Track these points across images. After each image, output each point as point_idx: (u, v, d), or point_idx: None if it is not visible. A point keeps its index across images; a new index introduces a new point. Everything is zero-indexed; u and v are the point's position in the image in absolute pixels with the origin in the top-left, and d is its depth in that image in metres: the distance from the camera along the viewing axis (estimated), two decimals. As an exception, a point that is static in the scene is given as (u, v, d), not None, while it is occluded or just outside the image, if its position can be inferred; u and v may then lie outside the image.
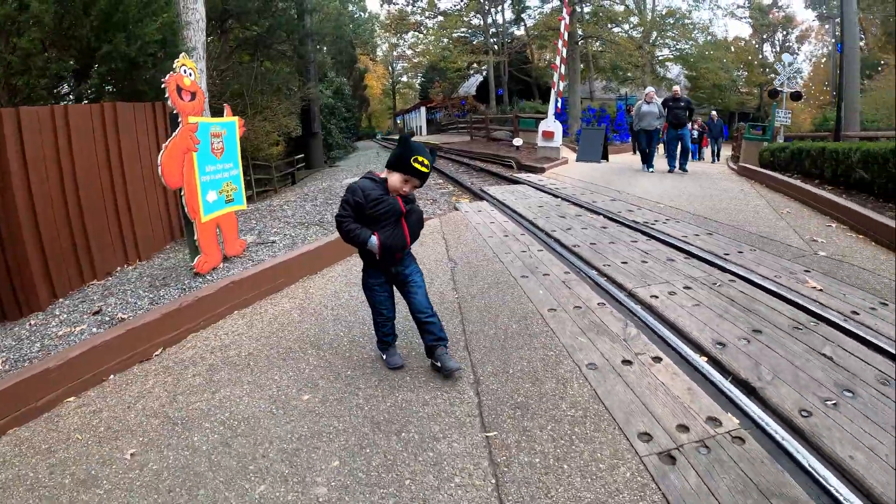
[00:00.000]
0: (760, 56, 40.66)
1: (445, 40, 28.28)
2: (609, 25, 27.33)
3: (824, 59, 40.44)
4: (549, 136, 13.21)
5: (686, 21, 30.16)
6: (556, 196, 7.87)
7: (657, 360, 2.74)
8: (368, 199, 2.62)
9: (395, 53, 40.87)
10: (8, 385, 2.62)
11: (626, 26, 29.30)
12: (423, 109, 42.05)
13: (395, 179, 2.66)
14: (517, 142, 15.85)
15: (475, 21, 30.03)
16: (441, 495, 1.89)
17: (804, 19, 41.04)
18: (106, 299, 4.02)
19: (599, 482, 1.89)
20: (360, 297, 3.91)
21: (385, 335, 2.92)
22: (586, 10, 26.12)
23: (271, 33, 12.86)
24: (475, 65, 32.01)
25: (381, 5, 34.33)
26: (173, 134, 3.97)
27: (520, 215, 6.62)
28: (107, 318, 3.59)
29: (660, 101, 11.57)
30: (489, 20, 30.14)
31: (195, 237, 4.24)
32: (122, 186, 4.99)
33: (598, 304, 3.56)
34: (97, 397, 2.80)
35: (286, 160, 16.71)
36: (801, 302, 3.40)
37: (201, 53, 6.99)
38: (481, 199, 8.31)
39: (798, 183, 7.76)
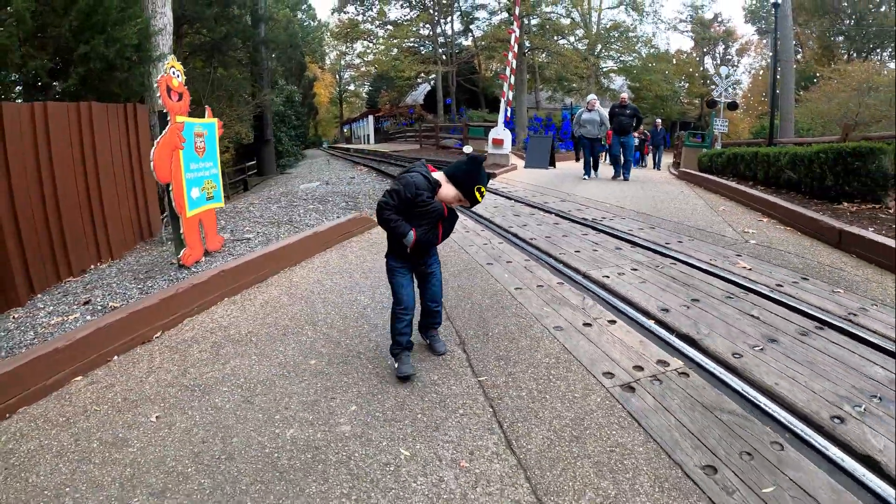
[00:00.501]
0: (701, 68, 42.95)
1: (395, 50, 28.85)
2: (555, 38, 28.45)
3: (762, 71, 42.90)
4: (498, 143, 13.79)
5: (630, 34, 31.69)
6: (509, 198, 8.39)
7: (612, 322, 3.24)
8: (419, 199, 2.68)
9: (342, 62, 41.10)
10: (18, 365, 2.80)
11: (572, 38, 30.56)
12: (370, 118, 42.41)
13: (450, 193, 2.74)
14: (467, 149, 16.35)
15: (424, 31, 30.68)
16: (450, 423, 2.31)
17: (744, 33, 43.55)
18: (92, 291, 4.22)
19: (576, 405, 2.36)
20: (343, 284, 4.28)
21: (400, 333, 2.88)
22: (534, 22, 27.14)
23: (227, 40, 13.00)
24: (423, 74, 32.63)
25: (332, 14, 34.62)
26: (163, 131, 4.25)
27: (478, 215, 7.08)
28: (98, 307, 3.82)
29: (604, 109, 11.71)
30: (438, 30, 30.86)
31: (181, 231, 4.50)
32: (97, 186, 5.19)
33: (558, 283, 4.05)
34: (106, 375, 3.05)
35: (236, 167, 16.74)
36: (732, 278, 3.98)
37: (163, 54, 7.20)
38: (439, 201, 8.75)
39: (733, 184, 8.53)
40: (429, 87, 37.12)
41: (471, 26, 32.75)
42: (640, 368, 2.64)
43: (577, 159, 17.03)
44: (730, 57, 45.66)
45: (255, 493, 1.97)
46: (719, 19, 44.42)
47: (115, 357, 3.26)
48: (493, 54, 29.42)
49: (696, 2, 41.26)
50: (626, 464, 2.02)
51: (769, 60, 29.29)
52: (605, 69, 32.16)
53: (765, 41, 44.27)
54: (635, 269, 4.30)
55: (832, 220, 5.47)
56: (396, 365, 2.87)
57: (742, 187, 8.17)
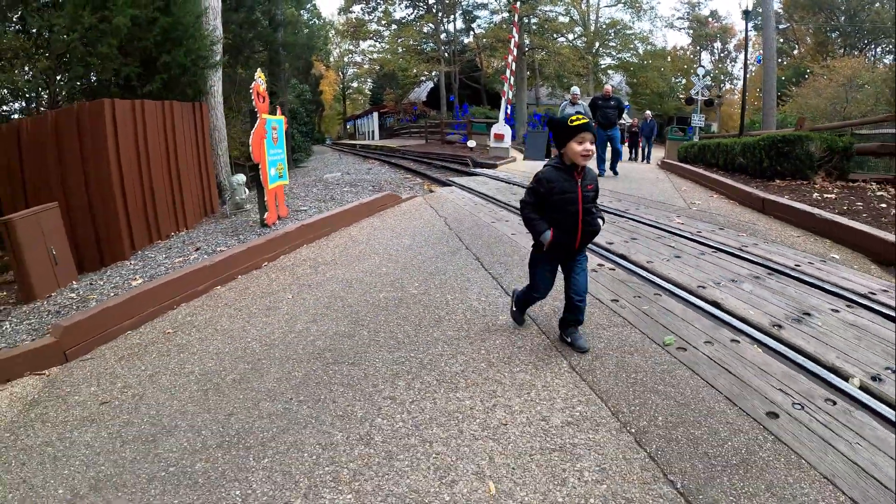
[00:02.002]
0: (697, 65, 44.80)
1: (401, 49, 30.75)
2: (554, 36, 30.30)
3: (757, 67, 44.72)
4: (499, 138, 15.56)
5: (627, 32, 33.57)
6: (509, 182, 10.16)
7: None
8: (552, 191, 2.92)
9: (345, 59, 42.99)
10: (179, 275, 4.53)
11: (571, 36, 32.42)
12: (375, 114, 44.14)
13: (572, 149, 2.87)
14: (471, 143, 18.24)
15: (426, 29, 32.52)
16: (471, 283, 4.08)
17: (741, 29, 45.01)
18: (196, 244, 6.00)
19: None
20: (388, 235, 6.07)
21: (526, 303, 3.42)
22: (533, 20, 28.99)
23: (249, 43, 14.72)
24: (426, 72, 34.51)
25: (339, 13, 36.54)
26: (255, 125, 6.04)
27: (482, 194, 8.86)
28: (209, 252, 5.57)
29: (586, 102, 11.87)
30: (441, 29, 32.71)
31: (265, 199, 6.29)
32: (177, 169, 6.89)
33: (544, 233, 5.84)
34: (238, 285, 4.81)
35: (250, 163, 18.35)
36: (665, 228, 5.77)
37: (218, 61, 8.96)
38: (449, 185, 10.55)
39: (700, 170, 10.31)
40: (432, 85, 38.95)
41: (472, 25, 34.66)
42: (608, 253, 4.44)
43: None
44: (728, 53, 47.55)
45: (367, 315, 3.74)
46: (716, 16, 46.35)
47: (239, 276, 5.02)
48: (494, 53, 31.28)
49: (693, -1, 43.29)
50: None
51: (762, 56, 31.03)
52: (603, 66, 34.06)
53: (762, 37, 46.14)
54: (618, 229, 6.12)
55: (759, 192, 7.28)
56: (514, 310, 3.47)
57: (704, 172, 9.95)
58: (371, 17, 33.16)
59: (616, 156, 11.68)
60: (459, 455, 2.19)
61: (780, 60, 44.41)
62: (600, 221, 3.11)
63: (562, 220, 2.95)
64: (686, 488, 1.94)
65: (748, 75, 44.48)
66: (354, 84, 52.41)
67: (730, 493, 1.91)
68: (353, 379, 2.89)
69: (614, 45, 33.84)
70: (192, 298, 4.47)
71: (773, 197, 6.93)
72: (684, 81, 42.60)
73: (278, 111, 6.91)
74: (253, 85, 6.08)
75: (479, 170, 13.51)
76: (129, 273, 5.11)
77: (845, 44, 38.09)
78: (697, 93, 16.94)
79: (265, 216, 6.32)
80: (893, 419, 2.29)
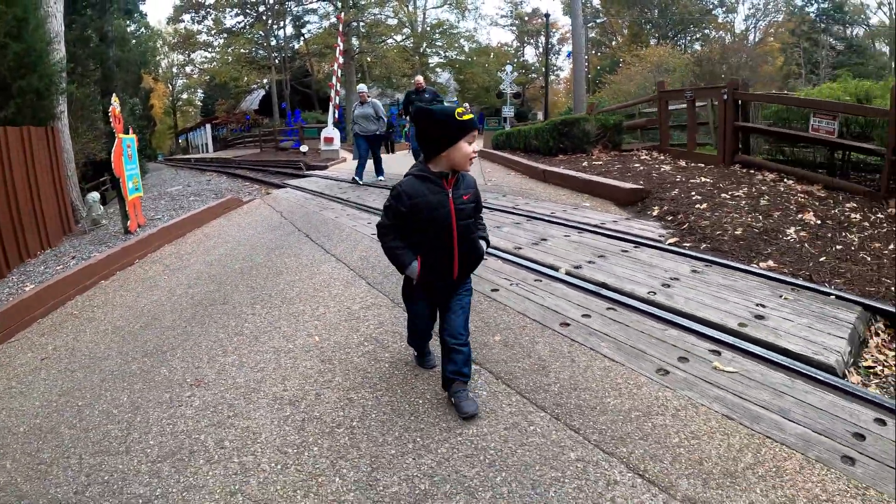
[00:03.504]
0: (521, 58, 49.34)
1: (231, 59, 31.41)
2: (382, 38, 32.52)
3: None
4: (329, 141, 17.37)
5: (453, 31, 36.61)
6: (338, 180, 12.00)
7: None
8: (416, 209, 2.51)
9: (173, 70, 42.51)
10: (69, 274, 5.87)
11: (399, 38, 34.84)
12: (208, 126, 43.89)
13: (461, 151, 2.49)
14: (304, 148, 19.95)
15: (258, 38, 33.33)
16: (303, 252, 5.91)
17: (564, 24, 50.32)
18: (70, 254, 7.28)
19: (361, 243, 6.07)
20: (235, 230, 7.69)
21: (416, 341, 3.17)
22: (362, 24, 30.98)
23: (83, 62, 15.29)
24: (258, 80, 35.38)
25: (168, 23, 36.18)
26: (115, 143, 7.40)
27: (313, 191, 10.62)
28: (85, 258, 6.90)
29: (378, 102, 11.24)
30: (272, 35, 33.70)
31: (126, 209, 7.66)
32: (37, 189, 7.91)
33: (360, 216, 7.76)
34: (119, 277, 6.21)
35: (91, 183, 18.70)
36: (452, 201, 7.95)
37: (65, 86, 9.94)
38: (284, 187, 12.24)
39: (505, 154, 12.80)
40: (263, 93, 39.76)
41: (302, 30, 36.02)
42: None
43: (390, 151, 20.06)
44: (552, 46, 52.70)
45: (227, 279, 5.43)
46: (538, 13, 51.25)
47: (118, 272, 6.43)
48: (323, 58, 32.96)
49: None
50: (371, 256, 5.78)
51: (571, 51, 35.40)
52: (431, 65, 36.87)
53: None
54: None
55: (542, 165, 9.80)
56: (416, 355, 3.26)
57: (507, 155, 12.46)
58: (201, 27, 33.47)
59: None
60: (298, 329, 3.99)
61: (597, 52, 50.28)
62: (483, 244, 2.72)
63: (432, 244, 2.54)
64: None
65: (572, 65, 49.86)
66: (185, 96, 51.52)
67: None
68: (225, 310, 4.60)
69: (441, 44, 36.76)
70: (85, 290, 5.84)
71: (551, 168, 9.44)
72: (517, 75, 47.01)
73: (130, 130, 8.25)
74: (110, 108, 7.42)
75: (311, 172, 15.23)
76: (17, 283, 6.34)
77: (658, 34, 43.98)
78: (506, 88, 19.90)
79: (128, 224, 7.67)
80: (576, 283, 4.49)
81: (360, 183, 10.71)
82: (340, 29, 18.79)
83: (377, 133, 10.89)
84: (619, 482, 2.20)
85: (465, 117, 2.47)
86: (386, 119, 11.28)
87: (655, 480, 2.21)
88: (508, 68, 20.42)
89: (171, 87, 49.36)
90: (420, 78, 11.79)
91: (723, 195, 6.94)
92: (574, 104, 24.16)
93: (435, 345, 3.11)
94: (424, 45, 35.90)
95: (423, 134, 2.56)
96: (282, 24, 34.20)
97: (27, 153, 7.71)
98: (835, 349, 3.19)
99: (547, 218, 6.53)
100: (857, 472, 2.26)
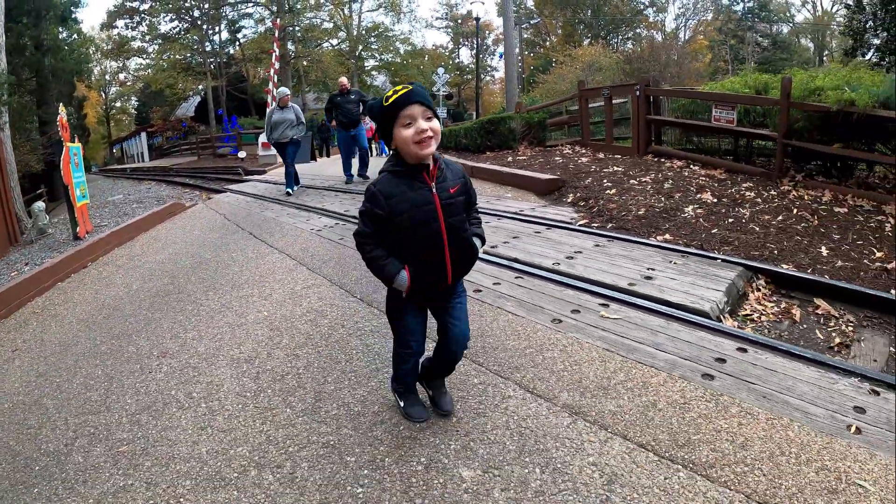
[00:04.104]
0: (456, 60, 50.43)
1: (166, 66, 31.32)
2: (318, 43, 32.99)
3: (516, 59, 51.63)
4: (267, 146, 17.77)
5: (388, 34, 37.31)
6: (276, 184, 12.49)
7: (322, 215, 7.71)
8: (395, 210, 2.22)
9: (106, 77, 41.88)
10: (28, 276, 6.40)
11: (335, 41, 35.35)
12: (143, 135, 43.40)
13: (399, 137, 2.16)
14: (242, 154, 20.40)
15: (194, 44, 33.30)
16: (247, 247, 6.56)
17: (498, 25, 51.34)
18: (24, 262, 7.72)
19: (302, 239, 6.75)
20: (180, 232, 8.25)
21: (406, 374, 2.67)
22: (297, 29, 31.39)
23: (19, 70, 15.39)
24: (194, 87, 35.30)
25: (101, 29, 35.66)
26: (62, 152, 7.86)
27: (252, 195, 11.16)
28: (38, 264, 7.37)
29: (298, 107, 10.62)
30: (207, 40, 33.70)
31: (75, 216, 8.11)
32: None
33: (299, 214, 8.42)
34: (76, 278, 6.66)
35: (27, 196, 18.66)
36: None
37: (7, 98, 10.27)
38: (224, 192, 12.76)
39: (434, 154, 13.69)
40: (199, 99, 39.67)
41: (238, 35, 36.12)
42: (337, 217, 7.13)
43: (316, 156, 20.52)
44: (486, 47, 53.91)
45: (179, 274, 6.03)
46: (472, 15, 52.33)
47: (73, 275, 6.91)
48: (259, 63, 33.19)
49: (451, 0, 48.76)
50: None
51: (521, 49, 36.64)
52: (367, 68, 37.53)
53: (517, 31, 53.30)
54: (343, 202, 8.86)
55: (469, 162, 10.62)
56: (403, 404, 2.75)
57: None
58: (136, 33, 33.18)
59: (365, 158, 10.94)
60: (248, 308, 4.61)
61: (532, 52, 51.76)
62: (477, 242, 2.48)
63: (419, 249, 2.29)
64: (364, 296, 4.68)
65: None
66: (118, 104, 50.61)
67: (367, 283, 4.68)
68: (181, 298, 5.19)
69: (376, 47, 37.43)
70: (44, 293, 6.29)
71: (479, 164, 10.29)
72: (450, 77, 47.98)
73: (76, 139, 8.69)
74: (59, 117, 7.89)
75: (250, 177, 15.74)
76: None
77: (591, 34, 45.58)
78: (438, 90, 20.82)
79: (77, 230, 8.12)
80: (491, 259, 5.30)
81: (291, 192, 10.26)
82: (276, 35, 19.29)
83: (296, 139, 10.27)
84: (511, 396, 2.90)
85: (392, 97, 2.17)
86: (305, 123, 10.83)
87: (542, 394, 2.89)
88: (440, 71, 21.30)
89: (104, 95, 48.42)
90: (344, 79, 11.02)
91: (631, 181, 7.90)
92: (506, 103, 25.32)
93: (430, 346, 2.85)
94: (360, 48, 36.50)
95: (378, 129, 2.37)
96: (217, 28, 34.27)
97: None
98: (711, 299, 3.95)
99: (469, 208, 7.36)
100: (714, 384, 2.81)
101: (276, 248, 6.35)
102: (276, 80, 18.00)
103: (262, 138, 17.68)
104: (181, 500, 2.35)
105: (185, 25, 32.98)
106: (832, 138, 6.96)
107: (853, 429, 2.45)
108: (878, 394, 2.73)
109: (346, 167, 10.97)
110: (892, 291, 4.38)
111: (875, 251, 5.27)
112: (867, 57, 11.58)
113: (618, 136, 10.92)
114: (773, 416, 2.56)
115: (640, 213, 6.61)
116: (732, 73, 40.52)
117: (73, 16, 24.07)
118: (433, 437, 2.60)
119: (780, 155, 7.35)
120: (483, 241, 2.55)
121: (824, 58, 43.56)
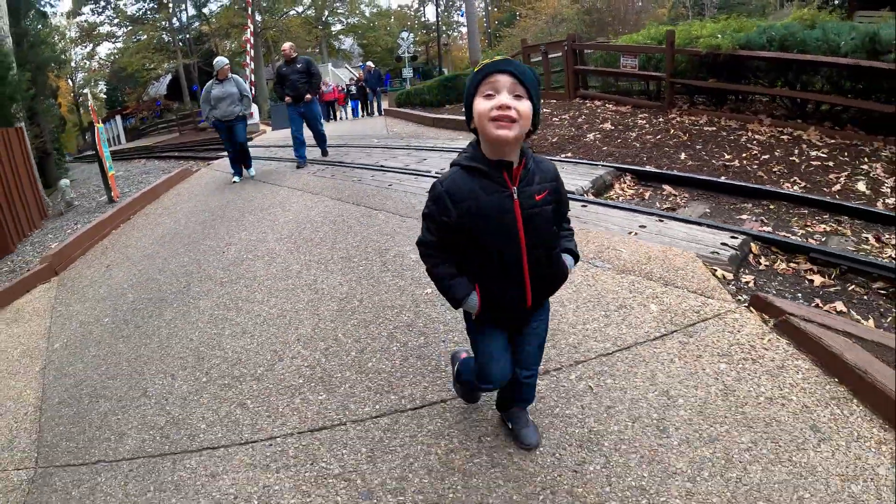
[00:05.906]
0: (423, 18, 51.84)
1: (138, 49, 32.70)
2: (285, 11, 34.44)
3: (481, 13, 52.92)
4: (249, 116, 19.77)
5: (354, -3, 38.73)
6: (267, 146, 14.52)
7: (299, 168, 9.83)
8: (466, 216, 1.90)
9: (72, 65, 42.84)
10: (91, 226, 8.48)
11: (300, 9, 36.79)
12: (118, 118, 44.63)
13: (477, 111, 1.82)
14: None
15: (162, 22, 34.54)
16: (259, 196, 8.69)
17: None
18: (68, 225, 9.76)
19: (287, 195, 8.88)
20: (198, 189, 10.35)
21: (469, 394, 2.62)
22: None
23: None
24: (165, 64, 36.71)
25: (68, 17, 36.71)
26: (96, 132, 9.87)
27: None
28: (87, 223, 9.44)
29: (243, 80, 9.49)
30: (174, 17, 35.02)
31: (108, 182, 10.15)
32: (20, 183, 10.40)
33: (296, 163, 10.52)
34: (127, 226, 8.74)
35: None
36: (366, 145, 10.75)
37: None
38: (220, 159, 14.62)
39: (406, 110, 15.58)
40: (171, 77, 40.97)
41: (203, 10, 37.37)
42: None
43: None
44: (452, 3, 55.19)
45: (207, 219, 8.14)
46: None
47: (122, 225, 8.94)
48: (227, 37, 34.63)
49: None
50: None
51: (486, 5, 38.26)
52: (334, 31, 39.06)
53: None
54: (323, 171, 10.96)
55: (431, 114, 12.78)
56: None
57: (407, 110, 15.29)
58: (103, 18, 34.41)
59: (321, 139, 10.15)
60: (277, 218, 6.66)
61: (496, 6, 53.13)
62: (569, 260, 2.13)
63: (492, 265, 1.94)
64: (354, 201, 6.88)
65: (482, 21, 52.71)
66: (86, 90, 51.51)
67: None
68: (224, 220, 7.20)
69: (342, 11, 38.89)
70: (105, 237, 8.38)
71: (438, 115, 12.47)
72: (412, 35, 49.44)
73: (101, 121, 10.67)
74: (89, 104, 9.91)
75: (240, 144, 17.67)
76: (30, 251, 8.78)
77: None
78: (404, 52, 22.73)
79: (112, 194, 10.17)
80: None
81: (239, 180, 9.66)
82: (249, 13, 20.99)
83: (241, 115, 9.17)
84: (382, 219, 5.13)
85: (483, 62, 1.86)
86: (251, 97, 9.94)
87: (404, 215, 5.17)
88: (404, 34, 23.15)
89: (71, 82, 49.28)
90: (287, 45, 9.58)
91: (554, 119, 10.09)
92: (469, 59, 27.23)
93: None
94: (326, 13, 37.95)
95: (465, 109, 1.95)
96: (183, 6, 35.50)
97: (10, 151, 10.08)
98: (580, 185, 6.21)
99: (428, 148, 9.49)
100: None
101: (285, 186, 8.44)
102: (252, 53, 19.76)
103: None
104: (267, 293, 4.59)
105: (151, 5, 34.19)
106: (707, 76, 9.15)
107: (633, 233, 4.69)
108: (661, 219, 5.00)
109: (297, 146, 9.73)
110: (723, 178, 6.66)
111: (725, 155, 7.50)
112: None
113: (557, 85, 13.09)
114: (596, 229, 4.79)
115: (553, 140, 8.83)
116: (693, 18, 42.28)
117: (53, 9, 25.31)
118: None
119: (669, 90, 9.59)
120: (577, 259, 2.19)
121: (785, 2, 45.22)
